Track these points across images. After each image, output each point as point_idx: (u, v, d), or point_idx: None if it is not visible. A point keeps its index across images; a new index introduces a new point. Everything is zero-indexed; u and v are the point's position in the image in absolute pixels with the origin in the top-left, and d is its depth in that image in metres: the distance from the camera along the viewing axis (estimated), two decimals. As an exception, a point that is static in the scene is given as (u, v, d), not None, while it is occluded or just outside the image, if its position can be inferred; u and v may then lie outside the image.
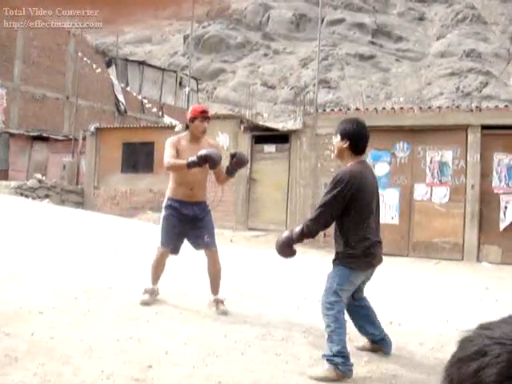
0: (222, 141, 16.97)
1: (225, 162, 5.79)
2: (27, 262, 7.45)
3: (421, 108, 14.76)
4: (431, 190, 13.80)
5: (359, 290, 4.96)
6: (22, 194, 19.14)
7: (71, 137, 24.23)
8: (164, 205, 6.09)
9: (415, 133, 13.98)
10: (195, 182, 5.99)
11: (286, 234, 4.86)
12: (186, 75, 30.50)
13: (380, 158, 14.25)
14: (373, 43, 58.34)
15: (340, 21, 59.78)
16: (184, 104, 28.15)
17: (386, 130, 14.22)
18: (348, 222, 4.56)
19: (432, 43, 58.59)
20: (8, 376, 3.75)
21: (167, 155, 5.88)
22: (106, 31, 63.47)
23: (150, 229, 14.08)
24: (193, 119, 6.05)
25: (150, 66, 36.83)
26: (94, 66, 28.71)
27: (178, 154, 5.93)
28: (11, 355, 4.10)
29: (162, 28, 70.48)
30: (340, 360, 4.30)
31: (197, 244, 6.11)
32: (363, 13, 61.74)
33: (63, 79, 29.98)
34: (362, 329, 5.06)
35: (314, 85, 19.30)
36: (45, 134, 25.86)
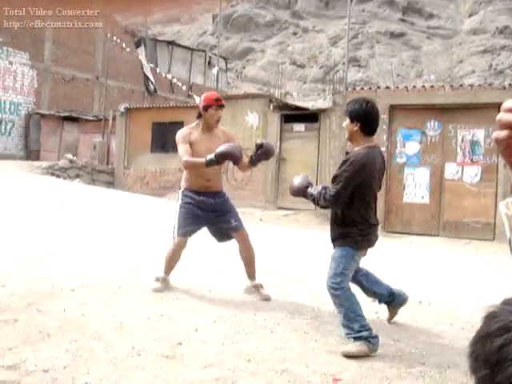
0: (252, 120, 16.97)
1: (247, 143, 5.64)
2: (59, 241, 7.55)
3: (452, 86, 14.56)
4: (462, 170, 13.66)
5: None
6: (53, 174, 19.37)
7: (101, 117, 24.40)
8: (179, 195, 5.83)
9: (446, 111, 13.81)
10: (212, 173, 5.74)
11: (301, 182, 4.79)
12: (215, 55, 30.45)
13: (411, 137, 14.13)
14: (403, 20, 57.53)
15: (370, -2, 59.07)
16: (213, 84, 28.10)
17: (416, 108, 14.09)
18: (353, 204, 4.54)
19: (464, 20, 57.59)
20: (41, 352, 3.82)
21: (182, 152, 5.62)
22: (135, 11, 63.58)
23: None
24: (207, 107, 5.70)
25: (179, 45, 36.83)
26: (124, 46, 28.80)
27: (191, 146, 5.69)
28: (44, 331, 4.16)
29: (190, 7, 70.26)
30: (367, 333, 4.35)
31: (224, 232, 5.85)
32: (394, -10, 60.90)
33: (93, 60, 30.12)
34: (375, 294, 5.12)
35: (344, 63, 19.14)
36: (75, 115, 26.07)
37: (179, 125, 19.48)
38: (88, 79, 29.81)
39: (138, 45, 32.89)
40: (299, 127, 16.28)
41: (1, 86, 26.13)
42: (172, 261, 5.77)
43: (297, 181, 4.86)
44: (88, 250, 7.11)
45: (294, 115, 16.40)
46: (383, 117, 14.28)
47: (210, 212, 5.73)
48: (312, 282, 6.69)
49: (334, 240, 4.72)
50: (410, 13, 58.73)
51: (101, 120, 24.19)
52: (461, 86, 14.97)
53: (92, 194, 13.88)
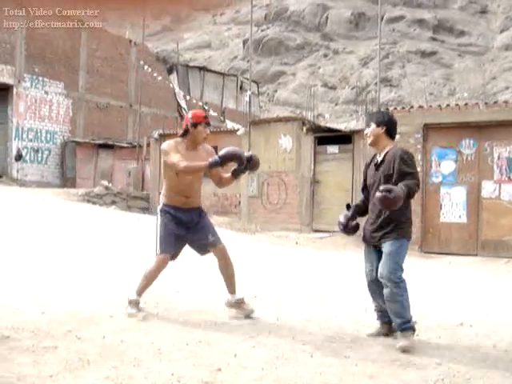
0: (285, 143, 16.99)
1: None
2: (97, 268, 7.60)
3: (486, 103, 14.41)
4: (499, 187, 13.46)
5: None
6: (89, 201, 19.58)
7: (135, 144, 24.65)
8: (158, 211, 5.74)
9: (481, 129, 13.66)
10: (192, 190, 5.75)
11: (394, 192, 4.75)
12: (247, 79, 30.66)
13: (445, 156, 13.98)
14: (434, 39, 57.37)
15: (400, 18, 59.02)
16: (245, 108, 28.26)
17: (450, 127, 13.96)
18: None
19: (496, 36, 57.20)
20: (81, 379, 3.83)
21: (177, 158, 5.51)
22: (167, 39, 64.43)
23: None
24: (196, 124, 5.66)
25: (210, 71, 37.16)
26: (156, 73, 29.16)
27: None
28: (83, 358, 4.18)
29: (220, 33, 71.00)
30: (413, 321, 4.99)
31: (202, 247, 5.84)
32: (423, 8, 60.81)
33: (126, 87, 30.54)
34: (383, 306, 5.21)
35: (376, 84, 19.11)
36: (110, 142, 26.38)
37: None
38: (122, 106, 30.20)
39: (170, 71, 33.27)
40: (333, 149, 16.24)
41: (37, 116, 26.59)
42: (152, 280, 5.71)
43: (391, 196, 4.76)
44: (126, 276, 7.14)
45: (327, 137, 16.38)
46: (417, 136, 14.20)
47: (187, 228, 5.69)
48: (351, 304, 6.62)
49: (383, 237, 5.08)
50: (440, 31, 58.57)
51: (135, 147, 24.44)
52: (495, 102, 14.81)
53: (128, 219, 13.99)
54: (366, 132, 5.37)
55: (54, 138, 27.38)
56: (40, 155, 26.85)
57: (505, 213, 13.28)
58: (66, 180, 27.11)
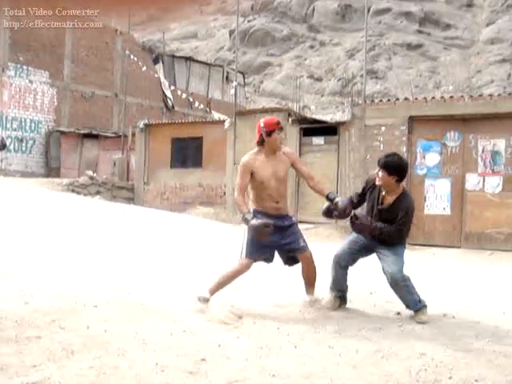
0: (270, 134, 16.96)
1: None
2: (81, 258, 7.58)
3: (471, 96, 14.49)
4: (483, 180, 13.56)
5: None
6: (73, 191, 19.49)
7: (121, 134, 24.55)
8: (249, 217, 5.49)
9: (466, 122, 13.74)
10: (279, 194, 5.75)
11: (360, 220, 5.71)
12: (233, 70, 30.59)
13: (430, 148, 14.06)
14: (420, 32, 57.49)
15: (386, 10, 59.08)
16: (231, 98, 28.17)
17: (435, 119, 14.04)
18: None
19: (481, 30, 57.40)
20: (65, 368, 3.81)
21: (237, 186, 5.66)
22: (153, 28, 64.11)
23: (200, 223, 14.19)
24: (270, 133, 5.71)
25: (196, 61, 37.00)
26: (141, 63, 29.02)
27: (254, 174, 5.66)
28: (67, 348, 4.16)
29: (207, 23, 70.74)
30: (423, 300, 5.71)
31: (292, 252, 5.83)
32: (410, 1, 60.85)
33: (111, 77, 30.36)
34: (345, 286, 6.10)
35: (362, 75, 19.13)
36: (95, 132, 26.26)
37: (198, 140, 19.64)
38: (107, 96, 30.03)
39: (155, 61, 33.10)
40: (318, 140, 16.26)
41: (21, 105, 26.40)
42: (229, 282, 5.72)
43: (358, 221, 5.72)
44: (110, 267, 7.12)
45: (312, 128, 16.39)
46: (402, 128, 14.26)
47: (276, 233, 5.58)
48: (335, 295, 6.64)
49: (388, 244, 5.74)
50: (426, 24, 58.69)
51: (120, 136, 24.34)
52: (480, 95, 14.91)
53: (112, 210, 13.93)
54: (376, 172, 5.70)
55: (38, 127, 27.21)
56: (24, 145, 26.67)
57: (488, 205, 13.38)
58: (51, 170, 26.96)
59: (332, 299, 6.00)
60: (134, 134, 22.58)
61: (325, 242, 12.86)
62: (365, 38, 18.26)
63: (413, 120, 14.28)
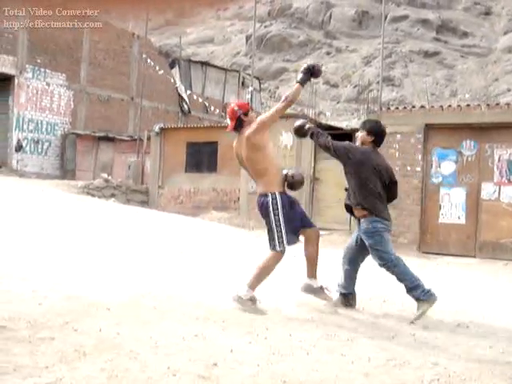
0: (286, 140, 16.97)
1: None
2: (95, 260, 7.61)
3: (488, 105, 14.40)
4: (499, 189, 13.46)
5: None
6: (88, 194, 19.57)
7: (136, 137, 24.63)
8: (277, 201, 5.75)
9: (482, 130, 13.65)
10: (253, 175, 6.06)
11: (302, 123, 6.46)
12: (249, 75, 30.64)
13: (446, 157, 13.98)
14: (437, 39, 57.25)
15: (403, 17, 58.89)
16: (246, 104, 28.19)
17: (451, 127, 13.96)
18: None
19: (499, 38, 57.06)
20: (77, 370, 3.82)
21: (272, 111, 6.05)
22: (169, 33, 64.31)
23: (213, 228, 14.21)
24: (247, 112, 6.06)
25: (212, 66, 37.09)
26: (158, 67, 29.13)
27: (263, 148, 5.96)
28: (80, 350, 4.17)
29: (224, 28, 70.87)
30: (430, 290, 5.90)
31: (301, 227, 5.96)
32: (427, 9, 60.64)
33: (128, 80, 30.50)
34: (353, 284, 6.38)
35: (378, 83, 19.09)
36: (110, 135, 26.36)
37: (213, 145, 19.68)
38: (123, 100, 30.17)
39: (172, 65, 33.22)
40: (333, 147, 16.20)
41: (38, 107, 26.57)
42: (269, 273, 5.82)
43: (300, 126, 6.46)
44: (124, 269, 7.14)
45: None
46: (418, 136, 14.19)
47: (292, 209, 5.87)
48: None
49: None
50: (443, 31, 58.45)
51: (135, 140, 24.42)
52: (497, 104, 14.79)
53: (127, 213, 13.98)
54: (357, 134, 6.38)
55: (54, 129, 27.37)
56: (40, 146, 26.84)
57: (504, 215, 13.29)
58: (66, 172, 27.10)
59: (339, 297, 6.25)
60: (149, 138, 22.65)
61: (339, 249, 12.83)
62: (381, 45, 18.24)
63: (429, 128, 14.21)
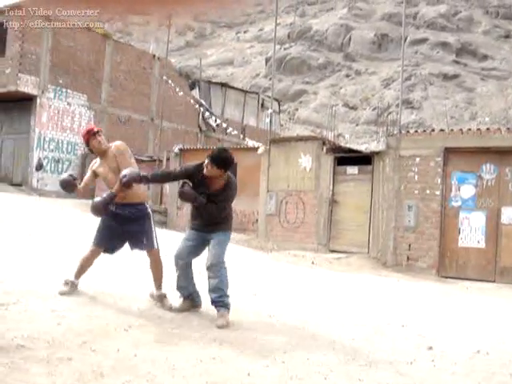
0: (305, 162, 16.97)
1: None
2: (114, 280, 7.62)
3: (508, 128, 14.34)
4: (519, 214, 13.36)
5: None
6: (107, 214, 19.61)
7: (156, 157, 24.76)
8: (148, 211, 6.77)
9: (502, 154, 13.58)
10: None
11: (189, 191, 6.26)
12: (268, 97, 30.74)
13: (465, 180, 13.91)
14: (457, 62, 57.18)
15: (423, 40, 58.96)
16: (266, 125, 28.28)
17: (471, 151, 13.90)
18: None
19: (519, 61, 56.87)
20: (94, 392, 3.83)
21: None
22: (190, 54, 64.87)
23: (231, 249, 14.17)
24: (87, 142, 6.80)
25: (232, 87, 37.29)
26: (178, 88, 29.34)
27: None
28: (97, 371, 4.18)
29: (243, 50, 71.33)
30: (230, 304, 6.06)
31: (136, 247, 6.69)
32: (447, 32, 60.70)
33: (148, 102, 30.75)
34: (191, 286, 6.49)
35: (397, 105, 19.09)
36: (130, 155, 26.47)
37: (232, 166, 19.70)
38: (143, 120, 30.39)
39: (192, 87, 33.44)
40: (352, 170, 16.18)
41: (59, 127, 26.84)
42: (84, 266, 6.60)
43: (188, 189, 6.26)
44: (142, 291, 7.15)
45: (346, 158, 16.35)
46: (438, 159, 14.15)
47: (122, 224, 6.50)
48: (367, 327, 6.58)
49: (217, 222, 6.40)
50: (463, 54, 58.39)
51: (155, 160, 24.54)
52: (517, 128, 14.73)
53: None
54: (206, 164, 6.26)
55: (74, 149, 27.61)
56: (60, 166, 27.07)
57: (524, 239, 13.17)
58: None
59: (181, 302, 6.43)
60: (168, 159, 22.76)
61: (355, 273, 12.76)
62: (401, 68, 18.26)
63: (448, 151, 14.16)
